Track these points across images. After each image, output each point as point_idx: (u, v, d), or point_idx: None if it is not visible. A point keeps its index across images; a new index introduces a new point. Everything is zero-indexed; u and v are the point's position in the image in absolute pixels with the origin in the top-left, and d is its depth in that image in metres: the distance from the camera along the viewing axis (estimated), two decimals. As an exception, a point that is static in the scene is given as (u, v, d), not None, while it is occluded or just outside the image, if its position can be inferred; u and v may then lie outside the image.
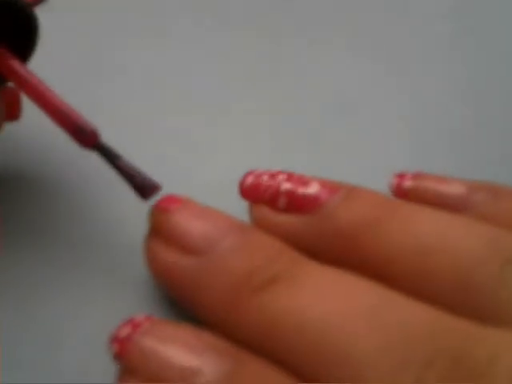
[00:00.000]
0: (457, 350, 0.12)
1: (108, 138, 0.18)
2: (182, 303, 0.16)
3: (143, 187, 0.15)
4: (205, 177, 0.20)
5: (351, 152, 0.21)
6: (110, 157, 0.16)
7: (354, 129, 0.21)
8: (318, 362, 0.12)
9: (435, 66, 0.24)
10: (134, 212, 0.18)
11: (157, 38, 0.25)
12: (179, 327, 0.14)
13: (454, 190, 0.16)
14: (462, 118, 0.22)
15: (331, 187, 0.16)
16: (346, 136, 0.21)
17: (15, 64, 0.16)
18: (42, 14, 0.20)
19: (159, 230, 0.16)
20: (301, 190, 0.16)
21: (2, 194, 0.19)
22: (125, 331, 0.13)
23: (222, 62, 0.24)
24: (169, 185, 0.18)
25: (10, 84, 0.17)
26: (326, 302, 0.13)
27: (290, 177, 0.16)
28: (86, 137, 0.15)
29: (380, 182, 0.18)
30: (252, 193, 0.17)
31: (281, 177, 0.17)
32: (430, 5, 0.27)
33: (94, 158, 0.19)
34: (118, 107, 0.22)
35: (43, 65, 0.22)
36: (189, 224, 0.15)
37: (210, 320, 0.15)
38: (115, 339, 0.14)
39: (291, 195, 0.16)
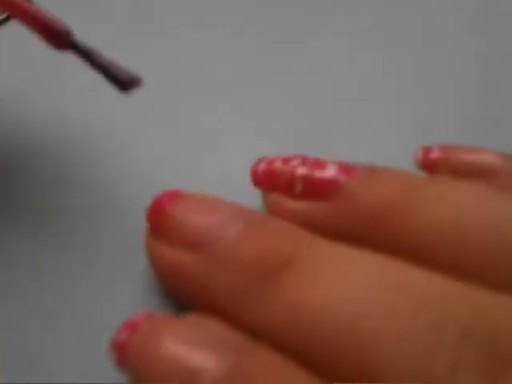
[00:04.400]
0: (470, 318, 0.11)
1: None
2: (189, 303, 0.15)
3: (122, 80, 0.15)
4: (216, 169, 0.19)
5: (363, 142, 0.20)
6: (86, 54, 0.15)
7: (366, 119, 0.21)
8: (337, 353, 0.11)
9: (442, 55, 0.23)
10: (136, 202, 0.18)
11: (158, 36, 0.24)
12: (183, 319, 0.13)
13: (486, 158, 0.15)
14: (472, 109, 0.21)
15: (349, 168, 0.15)
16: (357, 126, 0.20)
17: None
18: None
19: (159, 230, 0.15)
20: (317, 174, 0.15)
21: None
22: (123, 335, 0.13)
23: (231, 55, 0.23)
24: (178, 179, 0.18)
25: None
26: (344, 287, 0.12)
27: (305, 161, 0.15)
28: (58, 37, 0.15)
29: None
30: (265, 180, 0.16)
31: (295, 161, 0.16)
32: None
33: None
34: (126, 101, 0.21)
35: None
36: (188, 219, 0.15)
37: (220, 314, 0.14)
38: (115, 344, 0.13)
39: (307, 180, 0.15)
